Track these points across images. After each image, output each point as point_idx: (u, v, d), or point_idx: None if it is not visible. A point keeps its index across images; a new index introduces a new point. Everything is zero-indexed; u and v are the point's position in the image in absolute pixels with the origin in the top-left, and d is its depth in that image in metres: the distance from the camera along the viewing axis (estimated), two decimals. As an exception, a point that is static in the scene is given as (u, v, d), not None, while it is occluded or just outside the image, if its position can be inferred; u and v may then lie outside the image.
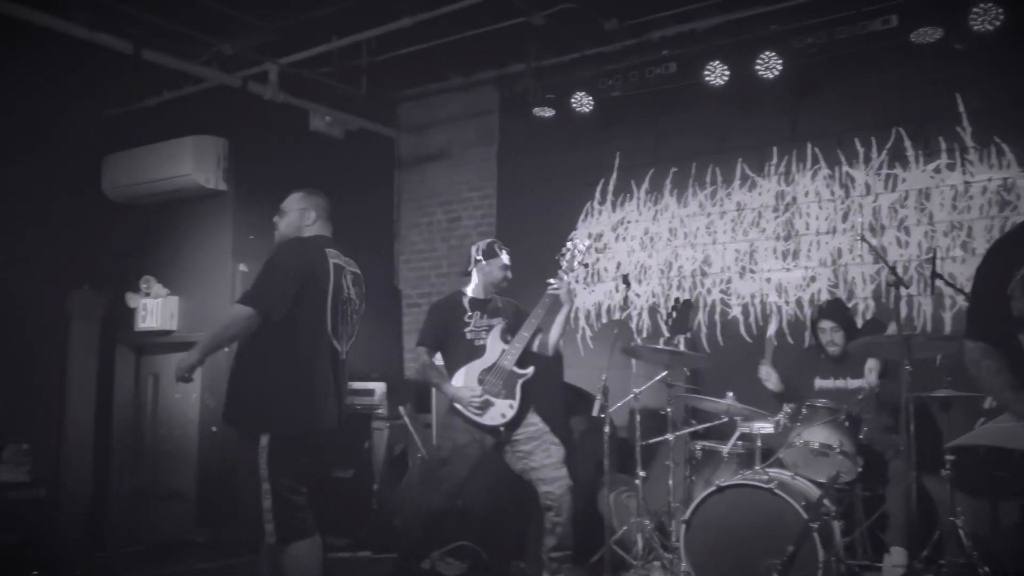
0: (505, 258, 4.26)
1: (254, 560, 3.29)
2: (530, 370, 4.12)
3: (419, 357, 4.27)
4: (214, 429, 5.73)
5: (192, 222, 6.12)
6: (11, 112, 5.44)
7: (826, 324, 4.43)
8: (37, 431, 5.79)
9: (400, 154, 7.14)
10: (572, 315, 4.18)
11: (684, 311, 5.04)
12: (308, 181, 6.17)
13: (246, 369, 3.19)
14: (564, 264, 4.23)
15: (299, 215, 3.42)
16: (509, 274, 4.28)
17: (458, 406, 4.09)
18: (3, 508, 5.13)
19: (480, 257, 4.27)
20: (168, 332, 6.06)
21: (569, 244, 4.24)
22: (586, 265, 4.24)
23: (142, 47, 5.08)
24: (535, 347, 4.22)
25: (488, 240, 4.41)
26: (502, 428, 4.06)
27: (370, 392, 5.41)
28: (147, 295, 6.08)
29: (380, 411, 5.34)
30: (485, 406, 4.04)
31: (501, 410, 4.06)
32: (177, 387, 6.10)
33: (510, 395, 4.07)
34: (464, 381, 4.11)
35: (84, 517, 5.80)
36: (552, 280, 4.15)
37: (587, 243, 4.30)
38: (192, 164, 5.75)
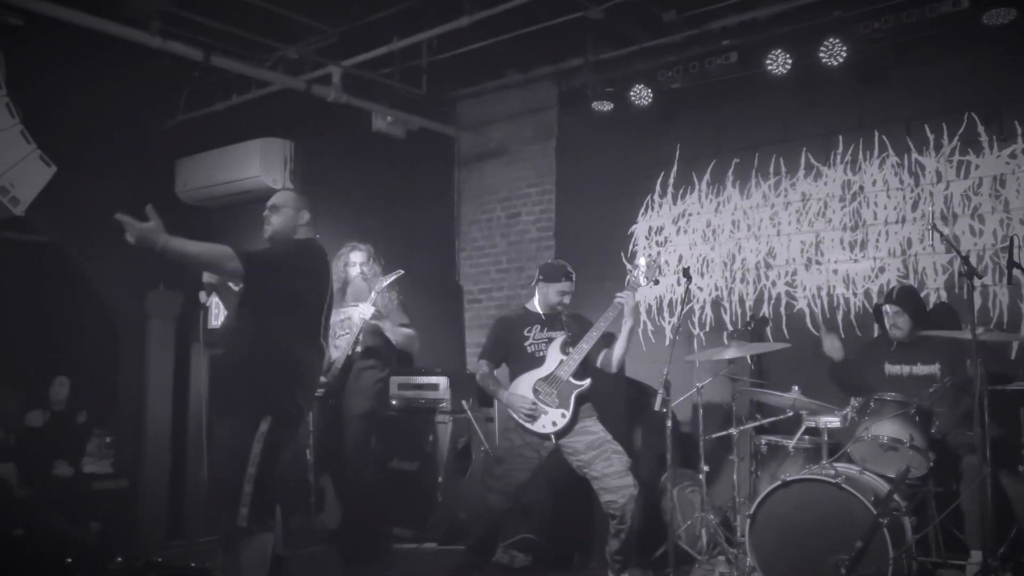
0: (564, 285, 4.25)
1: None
2: (586, 382, 4.14)
3: (480, 368, 4.35)
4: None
5: (260, 222, 6.27)
6: (90, 120, 5.70)
7: (889, 308, 4.33)
8: (119, 425, 6.07)
9: (460, 152, 7.22)
10: (637, 331, 4.15)
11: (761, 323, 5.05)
12: (371, 180, 6.39)
13: (250, 357, 3.24)
14: (632, 279, 4.19)
15: (295, 214, 3.41)
16: (567, 299, 4.28)
17: (511, 413, 4.17)
18: (88, 498, 5.40)
19: (541, 276, 4.31)
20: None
21: (641, 260, 4.21)
22: (657, 282, 4.21)
23: (211, 54, 5.25)
24: (599, 362, 4.23)
25: (554, 262, 4.45)
26: (552, 436, 4.09)
27: (434, 386, 5.50)
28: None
29: (443, 405, 5.42)
30: (536, 413, 4.08)
31: (553, 418, 4.09)
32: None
33: (563, 405, 4.09)
34: (519, 389, 4.17)
35: (164, 507, 6.04)
36: (619, 293, 4.13)
37: (657, 264, 4.22)
38: (260, 166, 5.92)
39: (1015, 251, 3.59)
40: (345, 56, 5.73)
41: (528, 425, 4.11)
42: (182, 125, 6.27)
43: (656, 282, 4.19)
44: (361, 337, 4.61)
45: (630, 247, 6.08)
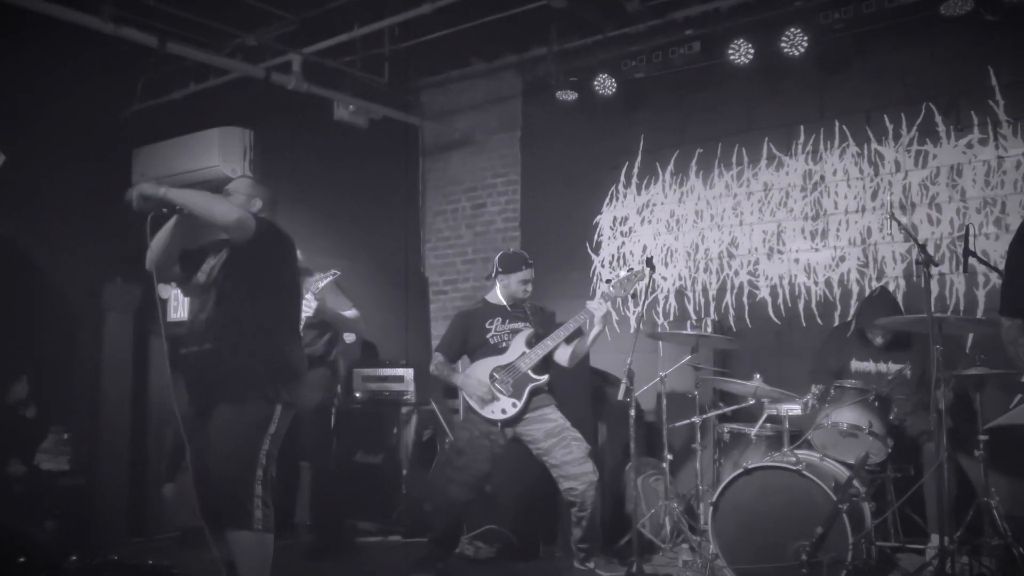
0: (524, 274, 4.23)
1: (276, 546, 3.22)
2: (544, 378, 4.15)
3: (435, 359, 4.33)
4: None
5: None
6: (43, 109, 5.55)
7: (875, 331, 4.35)
8: (76, 421, 5.93)
9: (424, 142, 7.15)
10: (600, 337, 4.15)
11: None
12: (333, 170, 6.31)
13: (255, 344, 3.12)
14: (610, 288, 4.12)
15: (246, 200, 3.30)
16: (529, 288, 4.27)
17: (462, 396, 4.16)
18: (44, 495, 5.27)
19: (500, 268, 4.27)
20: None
21: (623, 272, 4.13)
22: (634, 296, 4.17)
23: (167, 40, 5.13)
24: (556, 356, 4.22)
25: (511, 251, 4.41)
26: (498, 424, 4.10)
27: (399, 378, 5.45)
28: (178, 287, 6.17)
29: (408, 397, 5.38)
30: (488, 398, 4.08)
31: (503, 406, 4.10)
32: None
33: (516, 395, 4.10)
34: (476, 372, 4.17)
35: (123, 504, 5.93)
36: (591, 303, 4.10)
37: (636, 278, 4.10)
38: (219, 155, 5.82)
39: (971, 240, 3.64)
40: (305, 44, 5.63)
41: (478, 408, 4.12)
42: (139, 114, 6.13)
43: (633, 296, 4.16)
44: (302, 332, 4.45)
45: (595, 237, 6.08)
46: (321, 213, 5.91)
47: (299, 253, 4.54)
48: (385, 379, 5.53)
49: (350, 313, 4.60)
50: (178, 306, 6.20)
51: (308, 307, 4.26)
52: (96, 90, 5.80)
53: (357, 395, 5.57)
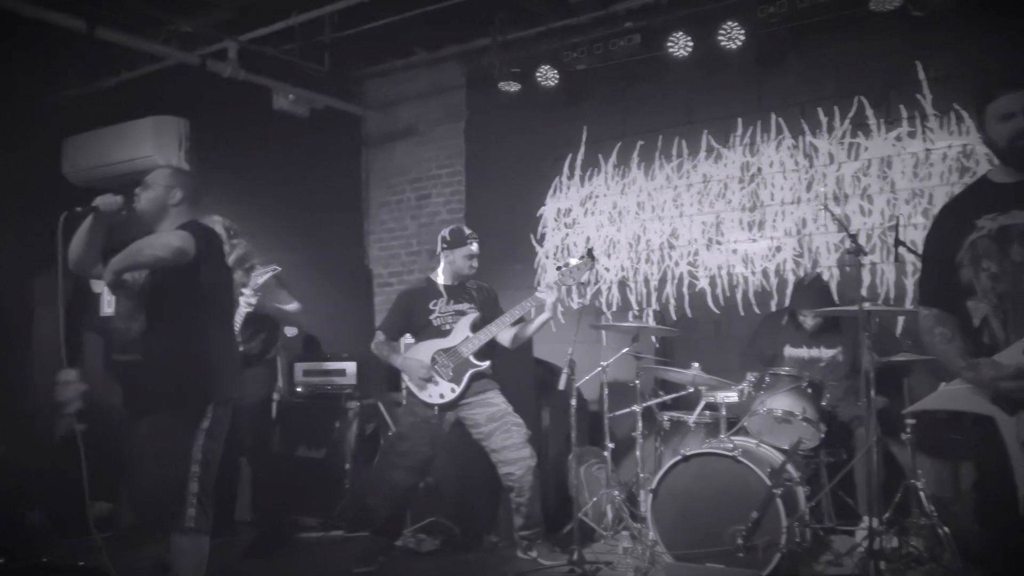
0: (471, 247, 4.22)
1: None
2: (485, 364, 4.15)
3: (376, 338, 4.31)
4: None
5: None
6: (-36, 95, 5.33)
7: (808, 314, 4.44)
8: (5, 421, 5.73)
9: (367, 132, 7.08)
10: (545, 324, 4.16)
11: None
12: (274, 160, 6.19)
13: (185, 347, 3.09)
14: (560, 276, 4.10)
15: (165, 192, 3.19)
16: (475, 263, 4.25)
17: (403, 377, 4.18)
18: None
19: (445, 244, 4.24)
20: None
21: (573, 260, 4.11)
22: (583, 285, 4.19)
23: (95, 25, 4.96)
24: (498, 337, 4.22)
25: (455, 226, 4.37)
26: (435, 408, 4.11)
27: (341, 372, 5.39)
28: (112, 280, 6.00)
29: (351, 391, 5.33)
30: (427, 381, 4.07)
31: (442, 390, 4.11)
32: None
33: (456, 380, 4.10)
34: (417, 354, 4.15)
35: (53, 504, 5.75)
36: (542, 289, 4.09)
37: (584, 267, 4.09)
38: (153, 145, 5.65)
39: (900, 230, 3.75)
40: (242, 31, 5.52)
41: (416, 391, 4.12)
42: (68, 102, 5.93)
43: (582, 284, 4.18)
44: (239, 328, 4.36)
45: (539, 229, 6.09)
46: (261, 205, 5.80)
47: (243, 245, 4.49)
48: (328, 373, 5.46)
49: (291, 307, 4.53)
50: (112, 300, 6.03)
51: (248, 303, 4.18)
52: (24, 76, 5.59)
53: (299, 389, 5.49)
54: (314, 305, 5.02)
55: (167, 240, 3.00)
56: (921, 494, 3.75)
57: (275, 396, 4.74)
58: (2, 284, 5.74)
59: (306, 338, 5.82)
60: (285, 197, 6.20)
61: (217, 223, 4.38)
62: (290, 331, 5.25)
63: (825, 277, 4.98)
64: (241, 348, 4.27)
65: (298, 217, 6.25)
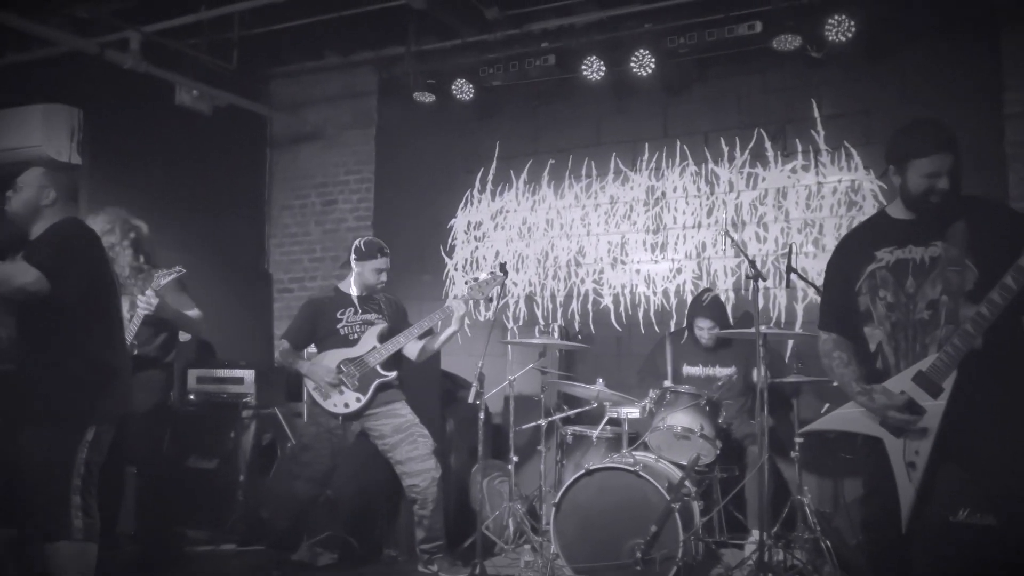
0: (380, 262, 4.17)
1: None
2: (392, 375, 4.13)
3: (280, 345, 4.23)
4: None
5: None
6: None
7: (704, 323, 4.61)
8: None
9: (273, 133, 6.91)
10: (452, 337, 4.18)
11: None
12: (173, 157, 5.95)
13: (63, 360, 2.96)
14: (469, 290, 4.12)
15: (37, 192, 3.08)
16: (384, 277, 4.21)
17: (307, 384, 4.13)
18: None
19: (355, 255, 4.19)
20: (12, 315, 5.61)
21: (481, 276, 4.13)
22: (491, 299, 4.21)
23: (-18, 3, 4.65)
24: (404, 350, 4.20)
25: (368, 238, 4.32)
26: (340, 417, 4.06)
27: (239, 380, 5.21)
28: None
29: (249, 399, 5.15)
30: (332, 390, 4.02)
31: (347, 399, 4.06)
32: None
33: (361, 390, 4.06)
34: (323, 362, 4.09)
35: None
36: (453, 300, 4.11)
37: (494, 282, 4.12)
38: (42, 134, 5.31)
39: (793, 257, 3.95)
40: (146, 21, 5.27)
41: (320, 400, 4.06)
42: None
43: (490, 299, 4.20)
44: (136, 330, 4.16)
45: (449, 240, 6.09)
46: (159, 202, 5.55)
47: (142, 242, 4.27)
48: (223, 380, 5.26)
49: (192, 313, 4.33)
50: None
51: (148, 304, 3.98)
52: None
53: (191, 397, 5.27)
54: (210, 309, 4.82)
55: (18, 281, 2.83)
56: (807, 509, 3.95)
57: (168, 403, 4.52)
58: None
59: (200, 343, 5.59)
60: (184, 195, 5.97)
61: (116, 218, 4.18)
62: (183, 336, 5.04)
63: (722, 299, 5.19)
64: (136, 351, 4.08)
65: (196, 217, 6.02)
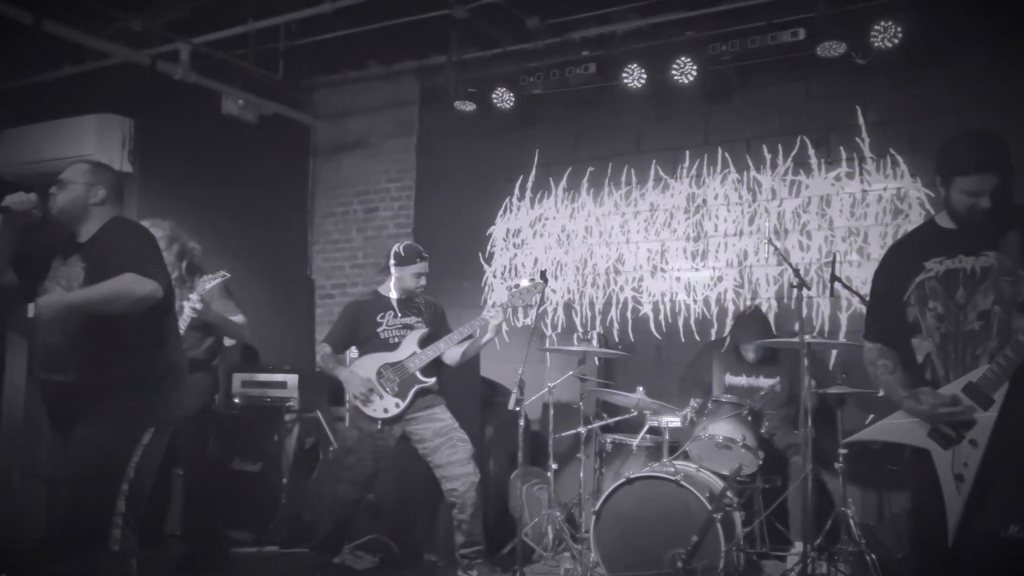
0: (419, 267, 4.22)
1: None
2: (431, 380, 4.16)
3: (322, 350, 4.28)
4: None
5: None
6: None
7: (749, 347, 4.57)
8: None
9: (316, 141, 7.01)
10: (488, 344, 4.23)
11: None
12: (219, 165, 6.08)
13: (125, 366, 2.88)
14: (510, 296, 4.14)
15: (85, 190, 2.94)
16: (423, 281, 4.26)
17: (347, 391, 4.16)
18: None
19: (394, 260, 4.24)
20: (64, 319, 5.78)
21: (523, 283, 4.14)
22: (532, 305, 4.23)
23: (42, 18, 4.81)
24: (443, 356, 4.23)
25: (407, 243, 4.36)
26: (380, 422, 4.09)
27: (282, 384, 5.29)
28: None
29: (292, 403, 5.24)
30: (371, 396, 4.06)
31: (386, 405, 4.10)
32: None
33: (400, 395, 4.10)
34: (362, 368, 4.13)
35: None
36: (490, 310, 4.13)
37: (535, 290, 4.13)
38: (95, 144, 5.49)
39: (837, 266, 3.91)
40: (196, 33, 5.41)
41: (360, 406, 4.09)
42: (3, 94, 5.70)
43: (530, 306, 4.22)
44: (183, 333, 4.23)
45: (488, 248, 6.13)
46: (205, 209, 5.68)
47: (189, 248, 4.37)
48: (266, 385, 5.36)
49: (237, 318, 4.42)
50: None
51: (194, 309, 4.08)
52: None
53: (236, 400, 5.37)
54: (254, 314, 4.92)
55: (140, 291, 2.76)
56: (851, 521, 3.89)
57: (213, 407, 4.61)
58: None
59: (244, 348, 5.70)
60: (229, 203, 6.09)
61: (161, 224, 4.27)
62: (229, 340, 5.14)
63: (764, 308, 5.15)
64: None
65: (241, 224, 6.14)
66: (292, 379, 5.29)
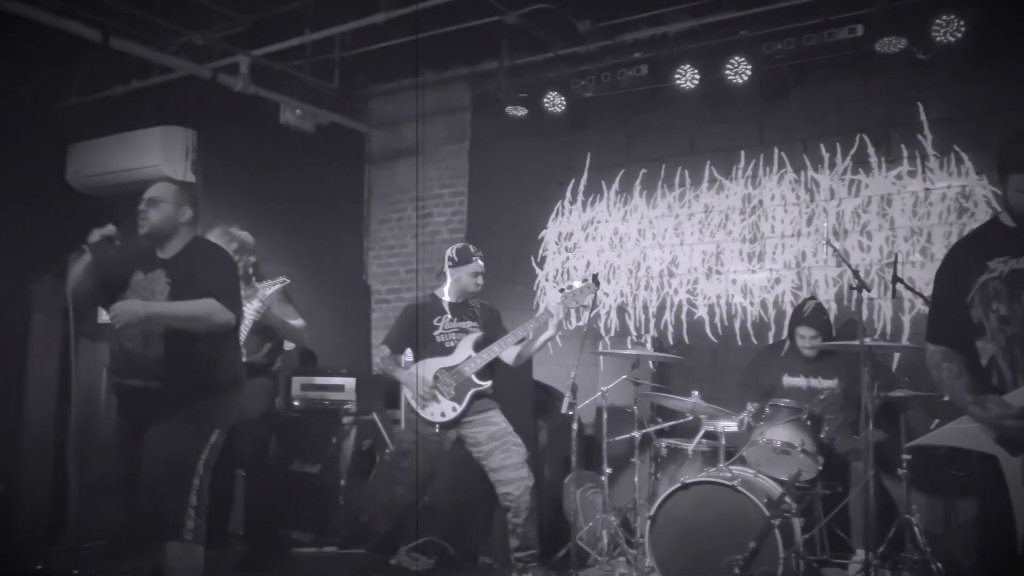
0: (477, 265, 4.27)
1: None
2: (487, 384, 4.18)
3: (381, 351, 4.36)
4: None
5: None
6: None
7: (806, 331, 4.47)
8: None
9: (371, 149, 7.13)
10: (550, 342, 4.24)
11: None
12: (278, 174, 6.23)
13: (203, 373, 3.11)
14: (563, 298, 4.15)
15: (175, 210, 3.16)
16: (480, 280, 4.30)
17: (405, 392, 4.22)
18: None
19: (449, 264, 4.29)
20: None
21: (577, 283, 4.16)
22: (586, 306, 4.24)
23: (110, 35, 5.00)
24: (502, 357, 4.25)
25: (460, 245, 4.42)
26: (437, 425, 4.13)
27: (339, 387, 5.39)
28: (111, 287, 6.00)
29: (349, 406, 5.33)
30: (428, 399, 4.09)
31: (443, 409, 4.13)
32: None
33: (457, 399, 4.13)
34: (420, 372, 4.17)
35: (44, 512, 5.70)
36: (550, 306, 4.15)
37: (587, 291, 4.14)
38: (160, 155, 5.68)
39: (899, 267, 3.81)
40: (254, 45, 5.57)
41: (418, 408, 4.14)
42: (75, 108, 5.94)
43: (583, 308, 4.23)
44: (244, 338, 4.35)
45: (540, 252, 6.14)
46: (264, 217, 5.82)
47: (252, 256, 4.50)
48: (325, 388, 5.46)
49: (297, 322, 4.53)
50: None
51: (256, 313, 4.19)
52: (30, 82, 5.61)
53: (295, 403, 5.49)
54: (312, 319, 5.03)
55: (219, 319, 3.03)
56: (916, 529, 3.78)
57: (274, 410, 4.73)
58: (3, 288, 5.73)
59: (303, 352, 5.83)
60: (287, 211, 6.23)
61: (232, 234, 4.40)
62: (288, 344, 5.26)
63: (824, 308, 5.03)
64: (245, 359, 4.28)
65: (299, 231, 6.28)
66: (350, 382, 5.38)
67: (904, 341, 4.74)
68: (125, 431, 3.16)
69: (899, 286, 3.85)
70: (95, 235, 3.06)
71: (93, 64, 5.66)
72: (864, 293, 3.76)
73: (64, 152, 6.07)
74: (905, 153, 4.96)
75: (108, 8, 4.99)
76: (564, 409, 4.02)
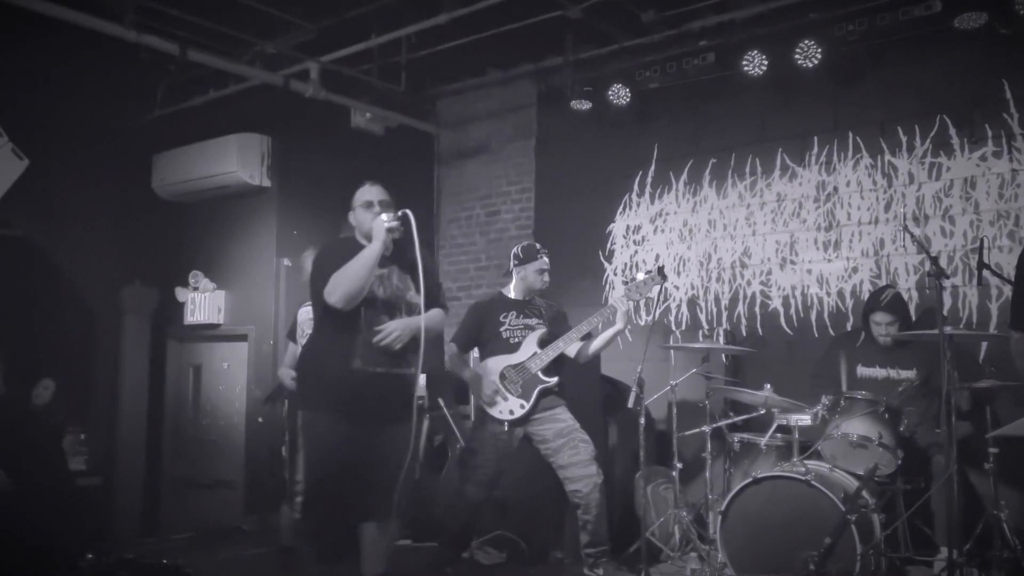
0: (542, 262, 4.29)
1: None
2: (554, 380, 4.18)
3: (449, 349, 4.41)
4: (260, 420, 5.89)
5: (238, 218, 6.30)
6: (65, 114, 5.66)
7: (882, 318, 4.33)
8: (93, 421, 6.03)
9: (440, 149, 7.22)
10: (619, 336, 4.24)
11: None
12: (350, 176, 6.34)
13: (314, 354, 3.47)
14: (626, 291, 4.15)
15: (393, 213, 3.54)
16: (547, 277, 4.32)
17: (473, 393, 4.25)
18: (64, 495, 5.35)
19: (517, 260, 4.32)
20: (215, 326, 6.25)
21: (640, 276, 4.16)
22: (652, 299, 4.23)
23: (188, 48, 5.22)
24: (571, 353, 4.24)
25: (526, 243, 4.45)
26: (505, 423, 4.15)
27: (411, 383, 5.48)
28: (195, 290, 6.27)
29: (421, 401, 5.40)
30: (496, 397, 4.12)
31: (511, 406, 4.14)
32: (220, 379, 6.29)
33: (525, 396, 4.14)
34: (487, 371, 4.21)
35: (136, 504, 6.01)
36: (617, 298, 4.15)
37: (652, 282, 4.13)
38: (237, 161, 5.92)
39: (985, 252, 3.64)
40: (323, 52, 5.72)
41: (486, 407, 4.17)
42: (159, 120, 6.23)
43: (651, 299, 4.20)
44: None
45: (608, 246, 6.11)
46: (338, 221, 5.96)
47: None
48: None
49: None
50: (195, 309, 6.30)
51: None
52: (117, 96, 5.92)
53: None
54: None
55: (441, 329, 3.63)
56: (1005, 526, 3.61)
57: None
58: (94, 292, 6.06)
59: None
60: (360, 213, 6.36)
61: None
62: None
63: (904, 299, 4.85)
64: None
65: (372, 231, 6.40)
66: (421, 378, 5.45)
67: (992, 329, 4.52)
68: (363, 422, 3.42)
69: (985, 272, 3.67)
70: (388, 224, 3.38)
71: (174, 77, 5.92)
72: (944, 281, 3.60)
73: (150, 162, 6.38)
74: (989, 133, 4.73)
75: (185, 23, 5.21)
76: (631, 403, 4.00)
